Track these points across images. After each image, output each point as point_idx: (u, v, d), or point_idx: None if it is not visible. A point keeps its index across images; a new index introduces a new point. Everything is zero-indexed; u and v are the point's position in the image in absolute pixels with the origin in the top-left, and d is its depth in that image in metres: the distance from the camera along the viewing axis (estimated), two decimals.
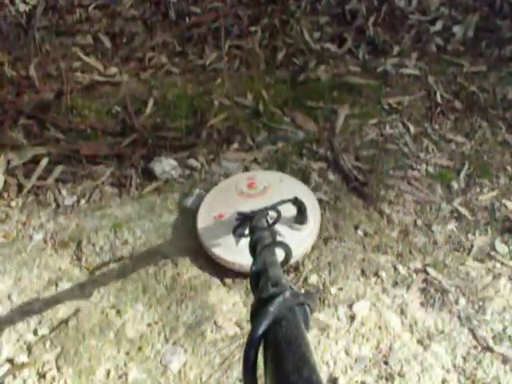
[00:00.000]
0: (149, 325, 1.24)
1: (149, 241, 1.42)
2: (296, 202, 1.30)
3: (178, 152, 1.66)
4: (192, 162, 1.62)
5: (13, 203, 1.57)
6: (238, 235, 1.28)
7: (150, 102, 1.85)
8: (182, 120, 1.77)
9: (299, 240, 1.34)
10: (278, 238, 0.98)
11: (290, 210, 1.33)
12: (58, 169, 1.61)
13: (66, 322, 1.25)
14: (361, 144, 1.72)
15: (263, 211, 1.18)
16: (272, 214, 1.19)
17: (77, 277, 1.36)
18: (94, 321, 1.25)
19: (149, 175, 1.60)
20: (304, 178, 1.58)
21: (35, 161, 1.65)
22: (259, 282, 0.69)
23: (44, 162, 1.61)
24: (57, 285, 1.34)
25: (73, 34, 2.48)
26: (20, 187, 1.60)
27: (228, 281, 1.33)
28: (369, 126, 1.79)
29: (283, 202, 1.26)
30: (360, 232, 1.46)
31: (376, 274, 1.35)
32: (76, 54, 2.27)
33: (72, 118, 1.82)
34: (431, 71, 2.03)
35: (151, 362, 1.17)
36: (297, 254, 1.33)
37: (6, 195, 1.60)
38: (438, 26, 2.20)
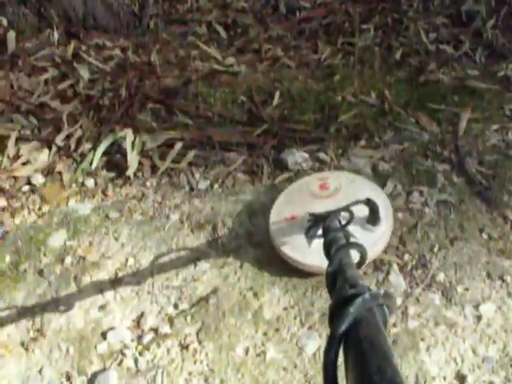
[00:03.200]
0: (285, 308, 1.30)
1: None
2: (368, 202, 1.30)
3: (307, 145, 1.71)
4: (322, 155, 1.67)
5: (147, 183, 1.66)
6: (311, 236, 1.29)
7: (277, 94, 1.91)
8: (309, 114, 1.82)
9: (372, 241, 1.33)
10: (352, 239, 0.98)
11: (362, 211, 1.32)
12: (191, 153, 1.69)
13: (206, 299, 1.32)
14: (483, 148, 1.72)
15: (336, 212, 1.18)
16: (344, 214, 1.19)
17: (214, 258, 1.43)
18: (233, 301, 1.32)
19: (280, 165, 1.66)
20: (429, 179, 1.60)
21: (168, 144, 1.73)
22: (336, 282, 0.69)
23: (178, 145, 1.70)
24: (195, 264, 1.42)
25: (185, 23, 2.57)
26: (154, 169, 1.69)
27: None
28: (491, 132, 1.78)
29: (356, 202, 1.24)
30: (484, 235, 1.46)
31: (501, 278, 1.35)
32: (193, 42, 2.35)
33: (199, 105, 1.90)
34: None
35: (287, 343, 1.23)
36: (370, 256, 1.33)
37: (140, 175, 1.69)
38: None
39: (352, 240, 0.96)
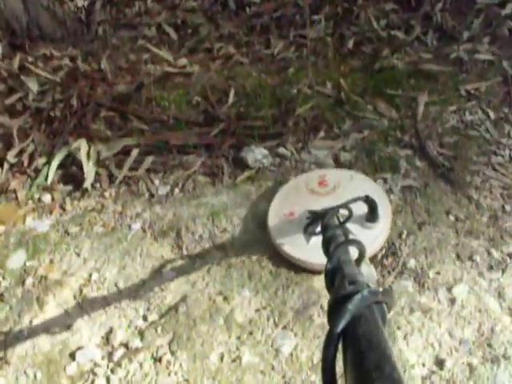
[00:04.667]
0: (257, 310, 1.27)
1: (247, 228, 1.45)
2: (367, 200, 1.29)
3: (266, 141, 1.68)
4: (282, 150, 1.65)
5: (106, 194, 1.61)
6: (309, 233, 1.29)
7: (231, 92, 1.87)
8: (266, 109, 1.79)
9: (371, 238, 1.33)
10: (351, 236, 0.97)
11: (360, 208, 1.31)
12: (149, 159, 1.65)
13: (175, 308, 1.29)
14: (443, 131, 1.72)
15: (334, 209, 1.17)
16: (343, 212, 1.19)
17: (180, 265, 1.39)
18: (203, 307, 1.29)
19: (240, 164, 1.63)
20: (392, 165, 1.59)
21: (124, 152, 1.69)
22: (334, 279, 0.70)
23: (134, 152, 1.65)
24: (161, 272, 1.38)
25: (134, 27, 2.51)
26: (111, 178, 1.64)
27: None
28: (449, 113, 1.79)
29: (354, 200, 1.24)
30: (451, 217, 1.46)
31: (471, 258, 1.35)
32: (143, 46, 2.30)
33: (153, 109, 1.86)
34: (505, 56, 2.01)
35: (263, 345, 1.20)
36: (368, 252, 1.33)
37: (98, 186, 1.64)
38: (509, 8, 2.17)
39: (351, 237, 0.96)
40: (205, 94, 1.91)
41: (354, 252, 0.81)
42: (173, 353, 1.21)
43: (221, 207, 1.52)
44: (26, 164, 1.73)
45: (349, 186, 1.46)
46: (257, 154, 1.61)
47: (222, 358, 1.19)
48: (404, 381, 0.44)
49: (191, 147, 1.69)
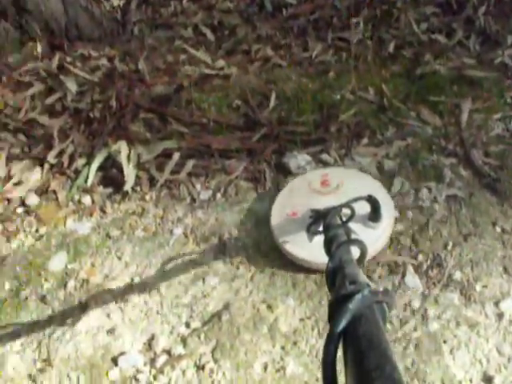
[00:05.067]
0: (301, 319, 1.25)
1: None
2: (370, 199, 1.28)
3: (308, 147, 1.66)
4: (325, 156, 1.63)
5: (147, 197, 1.61)
6: (312, 233, 1.27)
7: (273, 96, 1.86)
8: (308, 114, 1.76)
9: (373, 238, 1.32)
10: (353, 236, 0.96)
11: (363, 208, 1.30)
12: (190, 163, 1.64)
13: (218, 316, 1.28)
14: (488, 139, 1.68)
15: (337, 209, 1.16)
16: (345, 211, 1.18)
17: (223, 271, 1.38)
18: (247, 315, 1.27)
19: (283, 170, 1.61)
20: (436, 174, 1.56)
21: (165, 155, 1.68)
22: (335, 279, 0.69)
23: (176, 156, 1.64)
24: (204, 279, 1.37)
25: (170, 27, 2.51)
26: (152, 181, 1.64)
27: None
28: (494, 121, 1.75)
29: (357, 199, 1.23)
30: (498, 228, 1.43)
31: None
32: (180, 46, 2.29)
33: (193, 112, 1.85)
34: None
35: (307, 356, 1.19)
36: (371, 252, 1.29)
37: (138, 189, 1.63)
38: None
39: (353, 236, 0.95)
40: (245, 97, 1.90)
41: (356, 252, 0.81)
42: (216, 361, 1.20)
43: (264, 213, 1.50)
44: (65, 165, 1.74)
45: (352, 185, 1.45)
46: (300, 160, 1.59)
47: (265, 368, 1.18)
48: (404, 381, 0.44)
49: (233, 152, 1.67)
